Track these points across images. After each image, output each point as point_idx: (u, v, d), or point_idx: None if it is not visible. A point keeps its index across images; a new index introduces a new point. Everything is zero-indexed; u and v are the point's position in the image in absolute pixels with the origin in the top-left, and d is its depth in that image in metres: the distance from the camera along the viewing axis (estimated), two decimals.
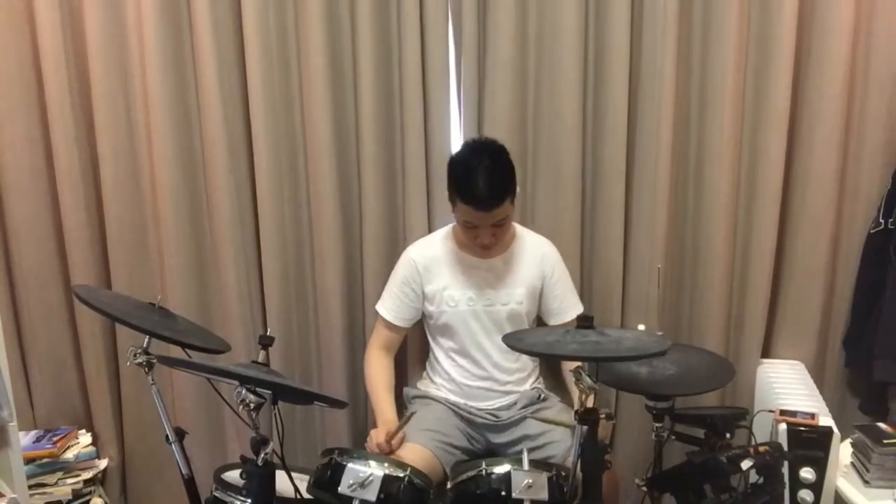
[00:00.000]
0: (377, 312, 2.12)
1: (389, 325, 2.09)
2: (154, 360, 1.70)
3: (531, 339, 1.59)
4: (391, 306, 2.08)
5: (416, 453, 1.86)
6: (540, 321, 2.16)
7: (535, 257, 2.06)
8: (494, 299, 2.01)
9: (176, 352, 1.80)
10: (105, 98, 2.19)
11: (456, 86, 2.21)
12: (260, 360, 1.65)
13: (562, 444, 1.88)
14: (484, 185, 1.79)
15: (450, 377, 2.07)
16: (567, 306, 2.09)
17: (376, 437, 1.85)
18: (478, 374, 2.04)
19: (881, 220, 2.11)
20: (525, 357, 2.08)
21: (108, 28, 2.16)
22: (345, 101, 2.22)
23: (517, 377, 2.07)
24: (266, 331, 1.77)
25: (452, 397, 2.07)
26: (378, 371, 2.08)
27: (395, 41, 2.17)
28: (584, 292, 2.28)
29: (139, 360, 1.70)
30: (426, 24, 2.13)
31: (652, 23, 2.10)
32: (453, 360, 2.07)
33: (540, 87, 2.19)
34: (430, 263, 2.04)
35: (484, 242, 1.90)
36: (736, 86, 2.09)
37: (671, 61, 2.08)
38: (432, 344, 2.13)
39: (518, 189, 1.94)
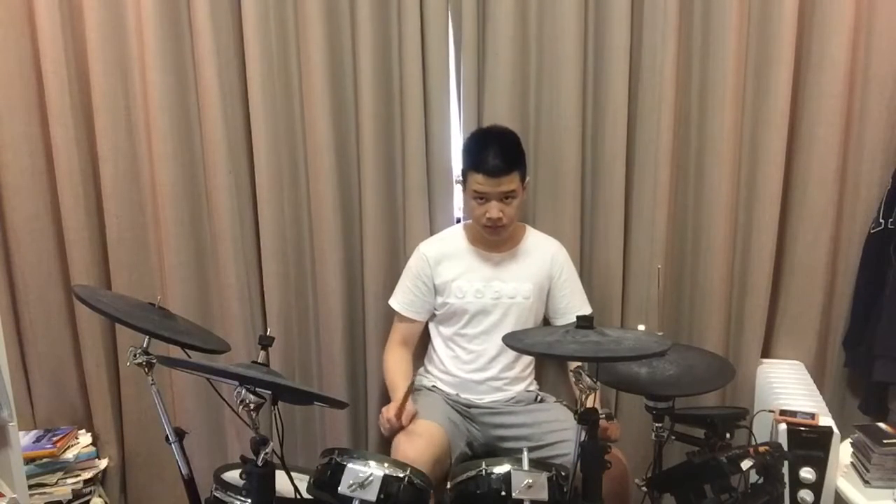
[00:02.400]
0: (391, 307, 2.15)
1: (404, 319, 2.12)
2: (154, 360, 1.70)
3: (531, 338, 1.59)
4: (404, 300, 2.11)
5: (433, 429, 1.88)
6: (546, 322, 2.16)
7: (545, 256, 2.09)
8: (502, 292, 2.04)
9: (176, 352, 1.80)
10: (105, 98, 2.19)
11: (456, 85, 2.21)
12: (260, 360, 1.65)
13: (569, 444, 1.87)
14: (494, 154, 1.91)
15: (445, 368, 2.09)
16: (574, 306, 2.10)
17: (386, 412, 1.88)
18: (474, 367, 2.05)
19: (881, 220, 2.11)
20: (525, 359, 2.09)
21: (108, 28, 2.16)
22: (345, 100, 2.22)
23: (513, 375, 2.07)
24: (266, 331, 1.77)
25: (446, 388, 2.08)
26: (395, 362, 2.11)
27: (395, 41, 2.17)
28: (584, 292, 2.28)
29: (139, 360, 1.70)
30: (426, 23, 2.13)
31: (652, 22, 2.10)
32: (452, 349, 2.08)
33: (540, 87, 2.19)
34: (440, 257, 2.08)
35: (492, 215, 1.93)
36: (736, 86, 2.09)
37: (671, 61, 2.08)
38: (433, 332, 2.14)
39: (528, 177, 2.02)
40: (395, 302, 2.14)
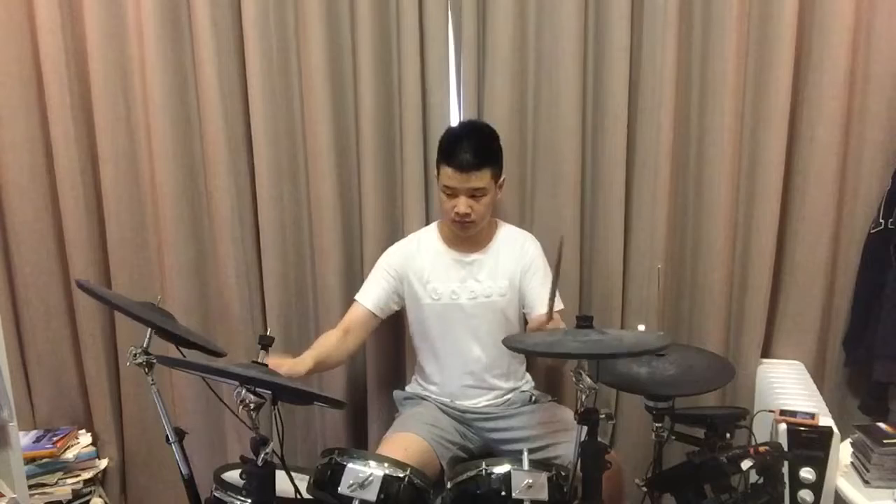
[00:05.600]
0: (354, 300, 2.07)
1: (360, 308, 2.04)
2: (154, 361, 1.70)
3: (532, 339, 1.59)
4: (367, 289, 2.06)
5: (415, 444, 1.87)
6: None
7: (516, 249, 2.06)
8: (478, 292, 2.02)
9: (176, 352, 1.80)
10: (105, 98, 2.20)
11: (455, 85, 2.21)
12: (260, 360, 1.65)
13: (567, 445, 1.87)
14: (466, 148, 1.88)
15: (434, 378, 2.08)
16: (538, 301, 2.00)
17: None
18: (459, 370, 2.04)
19: (881, 220, 2.11)
20: (507, 354, 2.05)
21: (108, 28, 2.16)
22: (345, 100, 2.22)
23: (497, 372, 2.06)
24: (266, 331, 1.76)
25: (439, 397, 2.07)
26: (321, 339, 2.01)
27: (394, 41, 2.17)
28: (584, 292, 2.28)
29: (139, 361, 1.70)
30: (426, 23, 2.13)
31: (652, 22, 2.10)
32: (436, 357, 2.07)
33: (539, 87, 2.19)
34: (415, 255, 2.06)
35: (460, 210, 1.91)
36: (736, 86, 2.09)
37: (671, 61, 2.08)
38: (416, 345, 2.12)
39: (504, 177, 2.00)
40: (359, 294, 2.06)
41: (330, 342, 1.99)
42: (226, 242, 2.25)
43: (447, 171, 1.90)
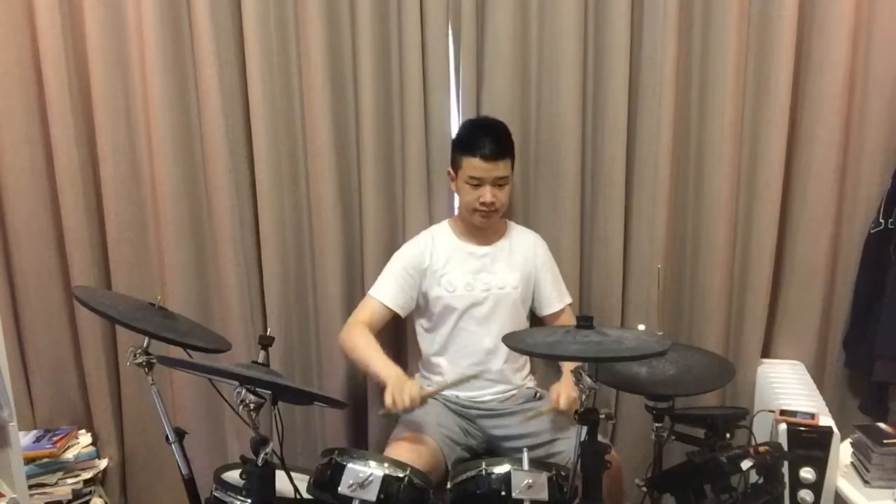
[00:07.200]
0: (369, 297, 2.08)
1: (380, 306, 2.05)
2: (154, 360, 1.70)
3: (532, 339, 1.59)
4: (387, 289, 2.06)
5: (424, 443, 1.88)
6: (532, 314, 2.17)
7: (527, 247, 2.13)
8: (492, 283, 2.06)
9: (176, 352, 1.80)
10: (105, 98, 2.19)
11: (455, 85, 2.21)
12: (260, 360, 1.66)
13: (567, 442, 1.88)
14: (489, 139, 1.99)
15: (442, 370, 2.09)
16: (552, 299, 2.15)
17: (411, 389, 1.81)
18: (470, 361, 2.05)
19: (881, 220, 2.11)
20: None
21: (108, 28, 2.16)
22: (345, 101, 2.22)
23: (509, 366, 2.08)
24: (266, 331, 1.77)
25: (446, 391, 2.07)
26: (365, 338, 2.02)
27: (395, 41, 2.17)
28: (584, 292, 2.28)
29: (139, 361, 1.70)
30: (426, 23, 2.13)
31: (652, 22, 2.10)
32: (446, 348, 2.08)
33: (540, 87, 2.19)
34: (430, 249, 2.09)
35: (486, 199, 1.98)
36: (736, 86, 2.10)
37: (671, 61, 2.08)
38: (424, 339, 2.13)
39: (514, 169, 2.07)
40: (377, 291, 2.07)
41: (374, 339, 2.01)
42: (226, 242, 2.25)
43: (473, 161, 1.97)
